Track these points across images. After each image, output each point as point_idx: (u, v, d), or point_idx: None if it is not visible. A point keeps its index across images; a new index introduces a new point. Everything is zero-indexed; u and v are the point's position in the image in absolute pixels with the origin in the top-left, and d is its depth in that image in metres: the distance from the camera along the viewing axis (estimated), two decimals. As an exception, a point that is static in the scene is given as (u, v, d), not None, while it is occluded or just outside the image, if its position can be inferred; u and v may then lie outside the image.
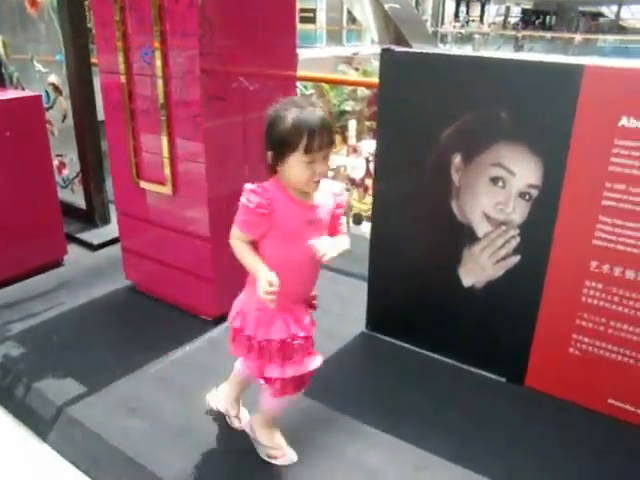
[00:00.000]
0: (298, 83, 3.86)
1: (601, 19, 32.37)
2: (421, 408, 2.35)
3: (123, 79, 2.69)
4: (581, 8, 34.44)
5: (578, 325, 2.29)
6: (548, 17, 35.65)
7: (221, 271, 2.75)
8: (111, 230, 3.80)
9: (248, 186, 1.71)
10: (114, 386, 2.45)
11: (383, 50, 2.44)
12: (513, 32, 24.90)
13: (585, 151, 2.11)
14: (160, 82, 2.54)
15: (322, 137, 1.62)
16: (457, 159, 2.34)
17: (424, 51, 2.61)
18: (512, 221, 2.28)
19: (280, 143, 1.65)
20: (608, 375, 2.30)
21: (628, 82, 2.02)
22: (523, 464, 2.09)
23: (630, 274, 2.13)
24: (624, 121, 2.02)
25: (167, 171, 2.70)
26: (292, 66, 2.97)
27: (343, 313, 2.97)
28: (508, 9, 33.00)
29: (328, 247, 1.67)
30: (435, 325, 2.61)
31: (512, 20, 33.18)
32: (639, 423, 2.26)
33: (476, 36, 20.21)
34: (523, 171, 2.21)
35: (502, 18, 30.78)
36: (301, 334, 1.80)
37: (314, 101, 1.95)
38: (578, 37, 23.21)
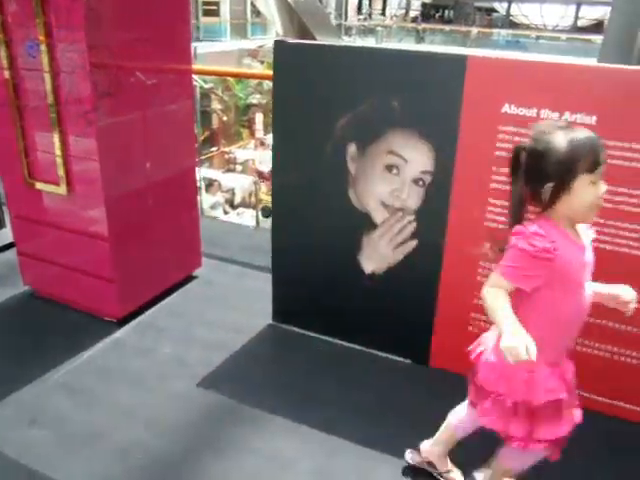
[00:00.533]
0: (196, 77, 3.81)
1: (494, 14, 33.81)
2: (330, 395, 2.39)
3: (7, 74, 2.56)
4: (477, 4, 35.91)
5: (475, 304, 2.39)
6: (447, 11, 36.88)
7: (122, 270, 2.69)
8: (5, 234, 3.62)
9: (526, 228, 1.50)
10: (14, 397, 2.34)
11: (276, 42, 2.45)
12: (414, 25, 25.58)
13: (473, 137, 2.20)
14: (48, 77, 2.44)
15: (601, 151, 1.48)
16: (352, 148, 2.38)
17: (316, 42, 2.64)
18: (408, 207, 2.36)
19: (564, 170, 1.46)
20: (504, 349, 2.41)
21: (508, 72, 2.13)
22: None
23: (518, 253, 2.25)
24: (506, 108, 2.12)
25: (61, 171, 2.60)
26: (187, 60, 2.93)
27: (250, 306, 2.97)
28: (409, 2, 33.84)
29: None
30: (339, 312, 2.65)
31: (413, 13, 34.05)
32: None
33: (379, 29, 20.58)
34: (416, 158, 2.29)
35: (403, 11, 31.53)
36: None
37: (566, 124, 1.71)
38: (474, 31, 24.14)
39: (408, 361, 2.61)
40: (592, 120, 2.03)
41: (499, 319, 1.50)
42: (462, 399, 2.36)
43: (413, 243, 2.40)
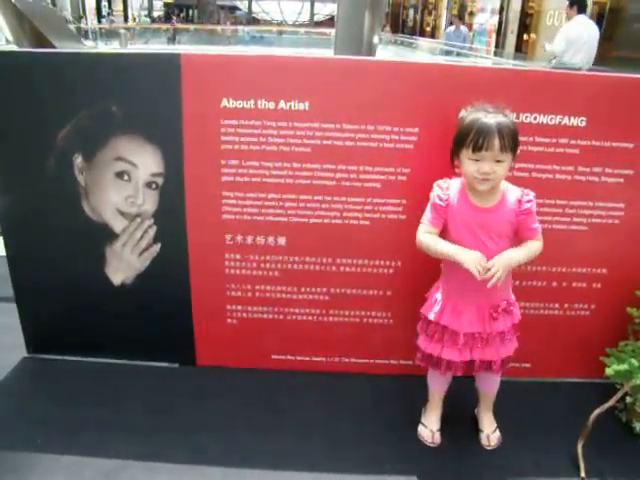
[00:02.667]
0: None
1: (238, 12, 34.66)
2: (101, 416, 2.27)
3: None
4: (219, 2, 36.51)
5: (229, 296, 2.44)
6: (190, 10, 36.94)
7: None
8: None
9: (439, 181, 1.99)
10: None
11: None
12: (158, 26, 25.22)
13: (198, 134, 2.23)
14: None
15: (487, 136, 1.77)
16: (78, 159, 2.27)
17: (27, 50, 2.46)
18: (145, 211, 2.32)
19: (455, 142, 1.89)
20: (266, 334, 2.51)
21: (223, 67, 2.18)
22: (210, 444, 2.16)
23: (261, 240, 2.34)
24: (225, 102, 2.18)
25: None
26: None
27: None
28: (151, 3, 33.24)
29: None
30: (97, 330, 2.53)
31: (157, 14, 33.54)
32: (297, 368, 2.53)
33: (122, 31, 19.88)
34: (144, 161, 2.25)
35: (146, 12, 30.91)
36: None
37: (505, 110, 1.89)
38: (219, 28, 24.58)
39: (176, 365, 2.58)
40: (306, 106, 2.17)
41: (444, 251, 1.89)
42: (228, 391, 2.43)
43: (157, 247, 2.36)
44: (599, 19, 10.25)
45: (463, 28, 12.92)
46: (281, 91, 2.17)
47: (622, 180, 2.26)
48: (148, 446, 2.14)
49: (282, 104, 2.17)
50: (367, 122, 2.18)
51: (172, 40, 22.73)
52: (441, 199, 1.94)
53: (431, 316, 2.03)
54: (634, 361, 2.12)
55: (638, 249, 2.37)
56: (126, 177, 2.27)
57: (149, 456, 2.09)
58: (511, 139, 1.81)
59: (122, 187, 2.29)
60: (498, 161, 1.81)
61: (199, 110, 2.20)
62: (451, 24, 15.27)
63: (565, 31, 6.97)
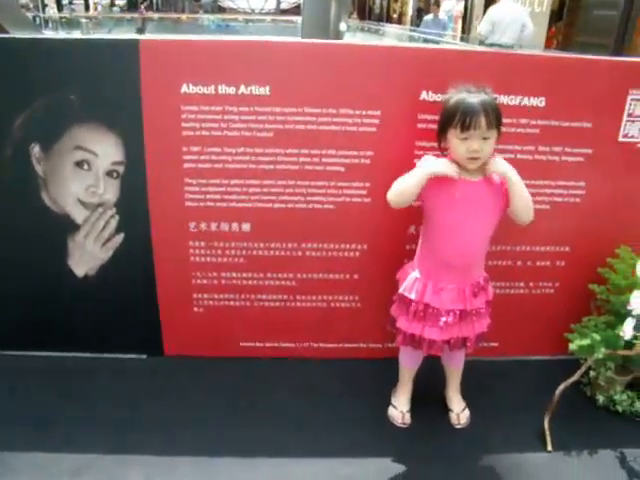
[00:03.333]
0: None
1: (202, 0, 34.16)
2: (69, 412, 2.23)
3: None
4: (183, -10, 36.01)
5: (195, 284, 2.42)
6: (154, -1, 36.37)
7: None
8: None
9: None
10: None
11: None
12: (121, 15, 24.68)
13: (158, 121, 2.19)
14: None
15: (473, 116, 1.80)
16: (36, 149, 2.21)
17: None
18: (107, 201, 2.28)
19: (442, 122, 1.91)
20: (234, 322, 2.50)
21: (183, 52, 2.15)
22: (181, 434, 2.14)
23: (225, 226, 2.32)
24: (185, 88, 2.14)
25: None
26: None
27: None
28: (113, -8, 32.60)
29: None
30: (61, 324, 2.48)
31: (120, 2, 32.90)
32: (266, 355, 2.53)
33: (83, 20, 19.36)
34: (105, 150, 2.21)
35: (109, 1, 30.27)
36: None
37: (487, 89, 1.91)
38: (184, 17, 24.19)
39: (144, 356, 2.55)
40: (267, 90, 2.15)
41: (414, 177, 1.92)
42: (197, 380, 2.41)
43: (120, 237, 2.32)
44: (561, 6, 10.43)
45: (442, 16, 12.80)
46: (241, 76, 2.14)
47: (582, 159, 2.30)
48: (118, 439, 2.11)
49: (243, 89, 2.15)
50: (329, 105, 2.17)
51: (142, 31, 22.05)
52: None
53: (413, 295, 2.03)
54: (596, 336, 2.16)
55: (599, 226, 2.41)
56: (86, 166, 2.23)
57: (119, 449, 2.06)
58: (495, 116, 1.85)
59: (83, 177, 2.24)
60: (485, 138, 1.85)
61: (159, 96, 2.17)
62: (419, 11, 15.14)
63: (489, 14, 7.77)
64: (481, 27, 7.89)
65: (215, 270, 2.40)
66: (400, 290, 2.09)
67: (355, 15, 25.47)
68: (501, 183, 1.95)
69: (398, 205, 1.99)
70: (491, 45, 7.43)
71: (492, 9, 7.86)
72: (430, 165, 1.91)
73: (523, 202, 1.94)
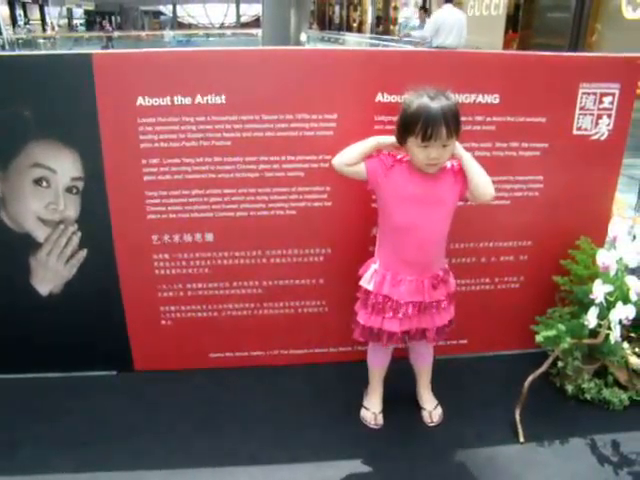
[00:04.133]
0: None
1: (162, 17, 34.10)
2: (37, 432, 2.19)
3: None
4: (142, 7, 35.80)
5: (161, 297, 2.40)
6: (113, 17, 36.09)
7: None
8: None
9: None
10: None
11: None
12: (79, 34, 24.56)
13: (115, 135, 2.18)
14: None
15: (435, 125, 1.78)
16: (-8, 168, 2.19)
17: None
18: (68, 217, 2.25)
19: (401, 128, 1.87)
20: (202, 333, 2.48)
21: (137, 65, 2.14)
22: (151, 450, 2.11)
23: (188, 237, 2.31)
24: (141, 100, 2.13)
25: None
26: None
27: None
28: (70, 11, 32.31)
29: None
30: (28, 344, 2.43)
31: (78, 22, 32.66)
32: (237, 365, 2.52)
33: (40, 40, 19.21)
34: (63, 166, 2.19)
35: (66, 20, 30.05)
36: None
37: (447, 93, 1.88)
38: (143, 34, 24.18)
39: (114, 372, 2.52)
40: (222, 99, 2.16)
41: (362, 145, 1.97)
42: (167, 394, 2.38)
43: (83, 253, 2.30)
44: (516, 10, 10.65)
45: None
46: (196, 86, 2.14)
47: (539, 153, 2.34)
48: (88, 457, 2.08)
49: (199, 99, 2.15)
50: (285, 111, 2.18)
51: (107, 48, 21.95)
52: (383, 162, 1.97)
53: (370, 287, 2.03)
54: (561, 326, 2.19)
55: (559, 219, 2.45)
56: (45, 183, 2.20)
57: (89, 467, 2.03)
58: (456, 124, 1.83)
59: (42, 194, 2.21)
60: (445, 146, 1.84)
61: (115, 110, 2.15)
62: (378, 19, 15.21)
63: (433, 18, 8.38)
64: (426, 30, 8.37)
65: (181, 282, 2.38)
66: (360, 282, 2.09)
67: (315, 26, 25.67)
68: (452, 167, 1.97)
69: (340, 169, 2.01)
70: (437, 47, 7.74)
71: (436, 13, 8.47)
72: (379, 137, 1.97)
73: (482, 178, 1.93)
